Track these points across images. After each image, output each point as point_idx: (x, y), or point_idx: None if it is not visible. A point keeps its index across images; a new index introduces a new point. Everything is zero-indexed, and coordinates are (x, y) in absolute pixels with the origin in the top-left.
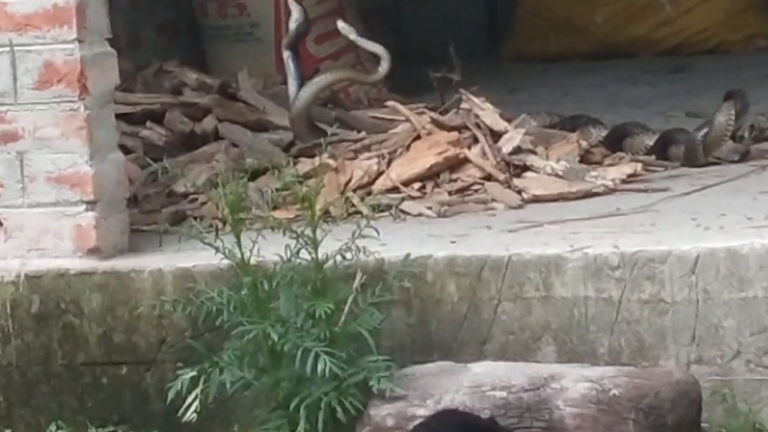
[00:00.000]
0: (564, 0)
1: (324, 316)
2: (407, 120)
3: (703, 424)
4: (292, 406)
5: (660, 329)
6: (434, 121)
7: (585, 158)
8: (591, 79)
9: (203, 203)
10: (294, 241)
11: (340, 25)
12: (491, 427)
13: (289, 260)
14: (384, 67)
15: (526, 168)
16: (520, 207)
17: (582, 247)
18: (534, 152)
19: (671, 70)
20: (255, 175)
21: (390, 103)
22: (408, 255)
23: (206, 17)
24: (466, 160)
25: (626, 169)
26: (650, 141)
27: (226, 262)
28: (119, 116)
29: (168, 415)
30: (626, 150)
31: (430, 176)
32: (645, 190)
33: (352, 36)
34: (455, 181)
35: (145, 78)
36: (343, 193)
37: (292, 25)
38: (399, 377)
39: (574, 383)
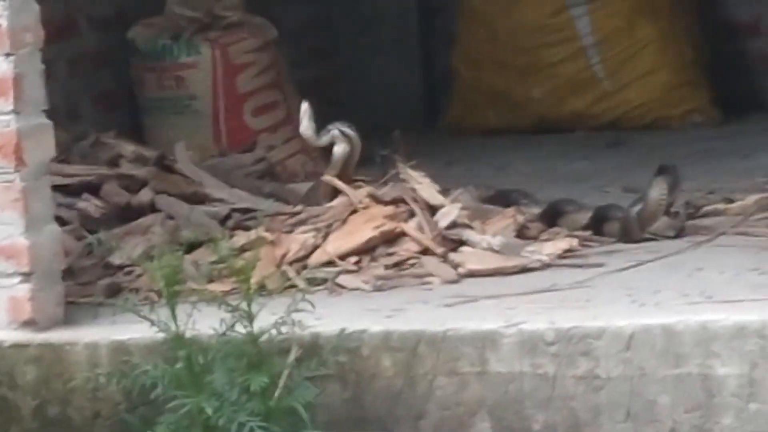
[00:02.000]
0: (501, 74)
1: (259, 390)
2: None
3: None
4: None
5: (595, 406)
6: (371, 196)
7: (521, 233)
8: (528, 153)
9: (139, 276)
10: (229, 315)
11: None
12: None
13: (224, 334)
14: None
15: (462, 243)
16: (456, 281)
17: (518, 323)
18: (470, 227)
19: (608, 145)
20: (191, 247)
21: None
22: (343, 330)
23: (144, 89)
24: (402, 234)
25: (562, 244)
26: (585, 218)
27: (161, 335)
28: (55, 188)
29: None
30: (562, 225)
31: (367, 250)
32: (581, 266)
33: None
34: (392, 255)
35: (81, 149)
36: (279, 266)
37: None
38: None
39: None
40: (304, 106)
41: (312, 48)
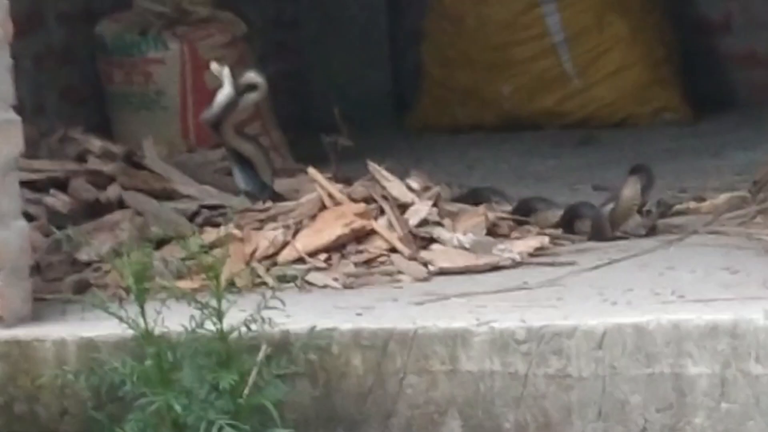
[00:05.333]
0: (470, 71)
1: (228, 387)
2: (314, 191)
3: None
4: None
5: (566, 404)
6: (341, 192)
7: (492, 231)
8: (497, 151)
9: (107, 272)
10: (199, 312)
11: (213, 66)
12: None
13: (193, 331)
14: (260, 93)
15: (432, 240)
16: (426, 279)
17: (488, 321)
18: (441, 224)
19: (578, 143)
20: (160, 244)
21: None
22: (313, 327)
23: (111, 84)
24: (372, 232)
25: (533, 242)
26: (556, 215)
27: (129, 332)
28: (23, 183)
29: None
30: (533, 223)
31: (337, 247)
32: (552, 264)
33: (225, 73)
34: (362, 252)
35: (49, 145)
36: (248, 263)
37: (222, 98)
38: None
39: None
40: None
41: (279, 43)
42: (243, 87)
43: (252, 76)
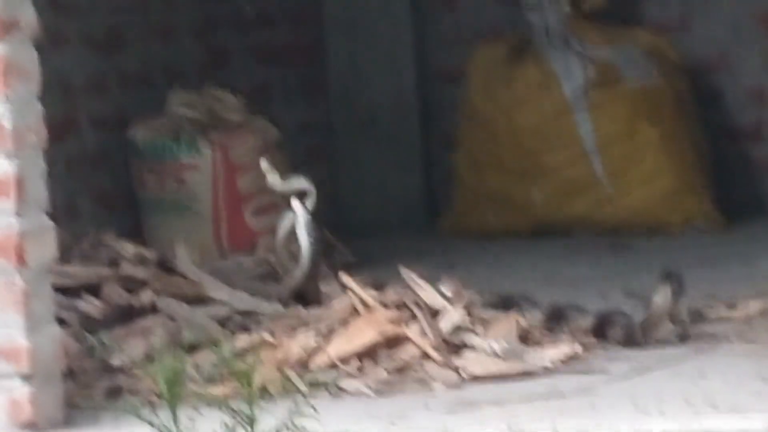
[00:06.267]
0: (502, 176)
1: None
2: (346, 296)
3: None
4: None
5: None
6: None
7: (524, 338)
8: (529, 256)
9: (140, 378)
10: (231, 418)
11: (263, 164)
12: None
13: None
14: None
15: (465, 347)
16: (458, 386)
17: (521, 429)
18: (473, 331)
19: (610, 250)
20: (192, 349)
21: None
22: None
23: (144, 189)
24: (405, 338)
25: (565, 350)
26: (588, 322)
27: None
28: (56, 289)
29: None
30: (565, 330)
31: (369, 353)
32: (584, 372)
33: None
34: (394, 358)
35: (82, 250)
36: (280, 369)
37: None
38: None
39: None
40: (264, 162)
41: (311, 148)
42: (292, 192)
43: (301, 181)
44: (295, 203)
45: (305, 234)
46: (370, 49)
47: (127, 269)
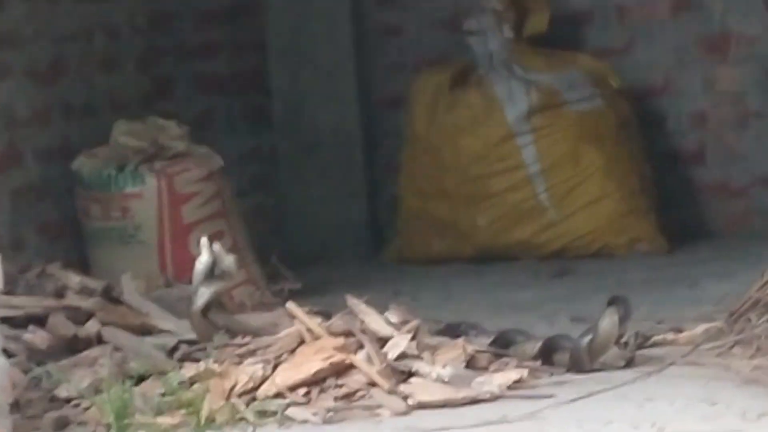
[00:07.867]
0: (446, 202)
1: None
2: (293, 324)
3: None
4: None
5: None
6: (320, 326)
7: (471, 364)
8: (474, 282)
9: (87, 408)
10: None
11: (203, 242)
12: None
13: None
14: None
15: (411, 374)
16: (406, 413)
17: None
18: (420, 358)
19: (555, 274)
20: (139, 380)
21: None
22: None
23: (89, 219)
24: (352, 366)
25: (512, 375)
26: (534, 348)
27: None
28: (1, 320)
29: None
30: (511, 356)
31: (316, 382)
32: (531, 397)
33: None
34: (341, 386)
35: (27, 280)
36: (228, 398)
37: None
38: None
39: None
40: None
41: (255, 176)
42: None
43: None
44: (204, 244)
45: (200, 276)
46: (314, 77)
47: (73, 300)
